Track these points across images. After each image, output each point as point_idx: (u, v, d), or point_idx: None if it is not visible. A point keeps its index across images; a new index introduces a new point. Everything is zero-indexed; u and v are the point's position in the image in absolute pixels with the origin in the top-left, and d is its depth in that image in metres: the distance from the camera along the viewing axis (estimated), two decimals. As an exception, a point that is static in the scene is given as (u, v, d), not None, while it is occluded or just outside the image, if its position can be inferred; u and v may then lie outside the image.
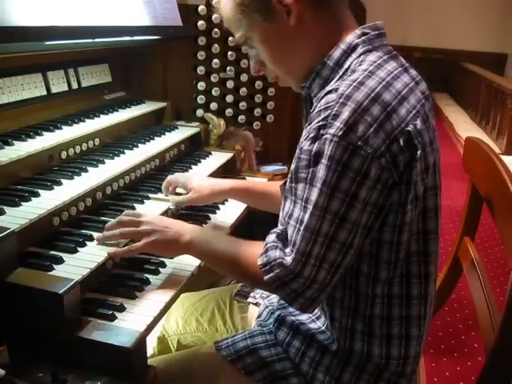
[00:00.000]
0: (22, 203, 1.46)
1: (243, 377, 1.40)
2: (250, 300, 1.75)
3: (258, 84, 2.68)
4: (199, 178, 1.85)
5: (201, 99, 2.63)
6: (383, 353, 1.31)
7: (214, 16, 2.52)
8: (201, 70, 2.59)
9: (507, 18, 11.24)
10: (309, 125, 1.19)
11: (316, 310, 1.39)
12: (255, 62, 1.40)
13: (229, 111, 2.68)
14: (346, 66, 1.24)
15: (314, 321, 1.40)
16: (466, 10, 11.34)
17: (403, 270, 1.26)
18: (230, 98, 2.66)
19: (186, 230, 1.42)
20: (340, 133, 1.10)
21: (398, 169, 1.14)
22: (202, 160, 2.28)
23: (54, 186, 1.59)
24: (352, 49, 1.25)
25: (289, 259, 1.17)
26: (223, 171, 2.33)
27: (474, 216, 1.83)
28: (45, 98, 1.97)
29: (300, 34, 1.27)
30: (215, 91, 2.63)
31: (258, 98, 2.70)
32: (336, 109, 1.12)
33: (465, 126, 8.64)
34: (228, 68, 2.62)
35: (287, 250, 1.20)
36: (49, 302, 1.18)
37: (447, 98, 11.32)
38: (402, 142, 1.13)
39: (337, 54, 1.25)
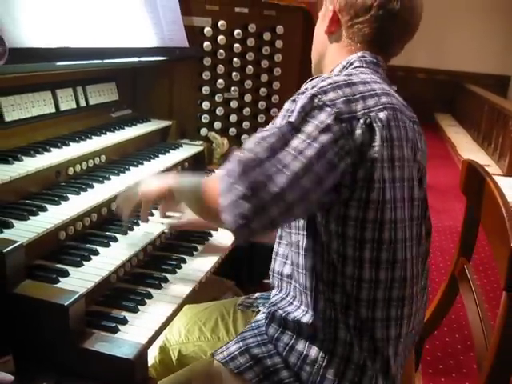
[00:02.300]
0: (30, 217, 1.50)
1: (236, 377, 1.42)
2: (253, 309, 1.78)
3: (262, 104, 2.72)
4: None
5: (205, 118, 2.67)
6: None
7: (219, 37, 2.58)
8: (206, 89, 2.64)
9: (510, 40, 11.31)
10: None
11: (303, 306, 1.41)
12: None
13: (232, 130, 2.72)
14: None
15: (299, 309, 1.42)
16: (469, 32, 11.40)
17: (372, 254, 1.30)
18: (233, 118, 2.70)
19: (168, 177, 1.62)
20: (313, 92, 1.25)
21: (354, 142, 1.23)
22: (205, 178, 2.31)
23: (61, 202, 1.62)
24: (349, 64, 1.43)
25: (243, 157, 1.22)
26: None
27: (471, 237, 1.86)
28: (53, 115, 2.01)
29: (325, 40, 1.52)
30: (219, 111, 2.68)
31: (261, 118, 2.73)
32: (316, 81, 1.30)
33: (467, 147, 8.66)
34: (232, 88, 2.67)
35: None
36: (54, 313, 1.22)
37: (450, 119, 11.35)
38: (362, 122, 1.24)
39: (338, 69, 1.44)
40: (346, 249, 1.29)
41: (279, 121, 1.27)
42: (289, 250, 1.44)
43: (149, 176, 1.77)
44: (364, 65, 1.41)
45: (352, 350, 1.36)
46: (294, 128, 1.23)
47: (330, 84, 1.27)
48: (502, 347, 1.27)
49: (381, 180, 1.25)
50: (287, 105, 1.29)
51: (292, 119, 1.23)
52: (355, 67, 1.41)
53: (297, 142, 1.21)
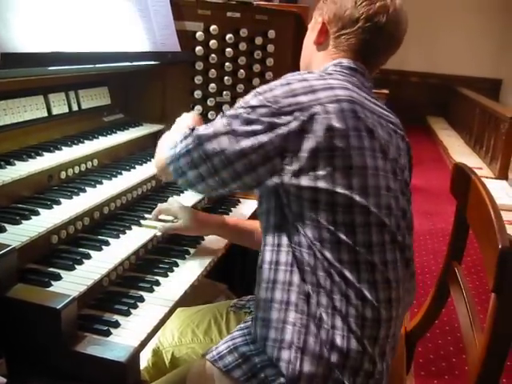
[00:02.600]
0: (23, 221, 1.50)
1: (225, 376, 1.42)
2: (245, 310, 1.79)
3: (254, 108, 2.73)
4: (190, 210, 1.87)
5: (197, 122, 2.68)
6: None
7: (211, 42, 2.59)
8: (198, 93, 2.64)
9: (502, 44, 11.37)
10: None
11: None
12: None
13: (225, 134, 2.73)
14: None
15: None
16: (462, 36, 11.46)
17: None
18: (226, 122, 2.71)
19: None
20: (260, 90, 1.36)
21: (289, 131, 1.30)
22: (197, 182, 2.32)
23: (54, 205, 1.63)
24: (325, 69, 1.48)
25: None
26: (218, 193, 2.38)
27: (461, 240, 1.87)
28: (46, 120, 2.01)
29: (313, 48, 1.58)
30: (211, 115, 2.68)
31: (254, 122, 2.75)
32: (271, 81, 1.39)
33: (459, 151, 8.70)
34: (224, 92, 2.67)
35: None
36: (47, 316, 1.23)
37: (443, 123, 11.40)
38: (305, 114, 1.30)
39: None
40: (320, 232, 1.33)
41: (233, 112, 1.38)
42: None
43: None
44: (338, 69, 1.46)
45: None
46: (236, 117, 1.36)
47: (280, 82, 1.36)
48: (492, 348, 1.29)
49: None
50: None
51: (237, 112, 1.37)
52: (328, 73, 1.45)
53: (238, 127, 1.34)
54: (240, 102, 1.40)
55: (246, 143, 1.32)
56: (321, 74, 1.43)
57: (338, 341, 1.32)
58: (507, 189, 6.52)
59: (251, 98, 1.36)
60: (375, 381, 1.39)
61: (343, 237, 1.31)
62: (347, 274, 1.32)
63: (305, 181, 1.30)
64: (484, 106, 8.24)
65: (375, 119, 1.39)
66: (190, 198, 2.12)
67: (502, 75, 11.60)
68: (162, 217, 1.85)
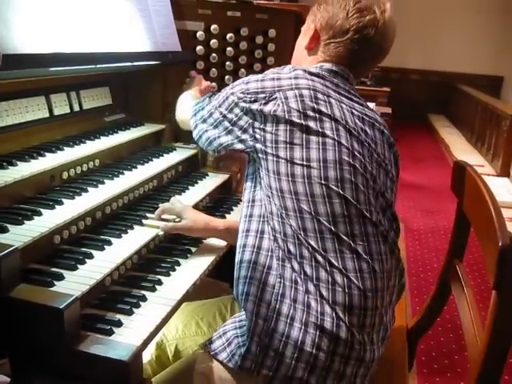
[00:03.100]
0: (25, 222, 1.51)
1: (212, 360, 1.48)
2: None
3: (255, 107, 2.73)
4: (193, 211, 1.89)
5: (199, 121, 2.69)
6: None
7: (212, 41, 2.60)
8: (199, 93, 2.65)
9: (503, 41, 11.36)
10: None
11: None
12: None
13: (226, 133, 2.73)
14: None
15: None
16: (462, 33, 11.45)
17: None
18: (226, 121, 2.72)
19: None
20: (234, 83, 1.56)
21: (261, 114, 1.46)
22: (198, 181, 2.33)
23: (56, 206, 1.63)
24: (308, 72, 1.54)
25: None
26: (219, 192, 2.39)
27: (462, 238, 1.88)
28: (47, 120, 2.02)
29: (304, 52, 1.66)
30: (212, 113, 2.69)
31: (255, 121, 2.75)
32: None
33: (461, 148, 8.70)
34: (225, 91, 2.68)
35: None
36: (50, 316, 1.23)
37: (444, 120, 11.40)
38: (266, 97, 1.46)
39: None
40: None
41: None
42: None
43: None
44: (320, 72, 1.53)
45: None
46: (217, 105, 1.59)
47: (256, 78, 1.52)
48: (492, 345, 1.29)
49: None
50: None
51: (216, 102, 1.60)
52: (309, 73, 1.52)
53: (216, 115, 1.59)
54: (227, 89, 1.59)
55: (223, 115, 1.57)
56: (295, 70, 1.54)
57: (313, 305, 1.39)
58: (509, 186, 6.52)
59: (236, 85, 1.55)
60: (357, 352, 1.42)
61: (304, 207, 1.40)
62: (312, 242, 1.40)
63: (270, 149, 1.44)
64: (485, 103, 8.24)
65: (344, 107, 1.48)
66: (191, 197, 2.13)
67: (503, 72, 11.59)
68: (164, 216, 1.85)
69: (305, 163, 1.41)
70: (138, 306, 1.45)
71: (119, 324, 1.35)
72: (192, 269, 1.71)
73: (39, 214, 1.57)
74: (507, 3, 11.11)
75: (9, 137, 1.83)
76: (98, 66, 2.00)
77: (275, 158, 1.43)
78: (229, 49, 2.63)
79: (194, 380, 1.52)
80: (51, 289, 1.35)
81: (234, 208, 2.26)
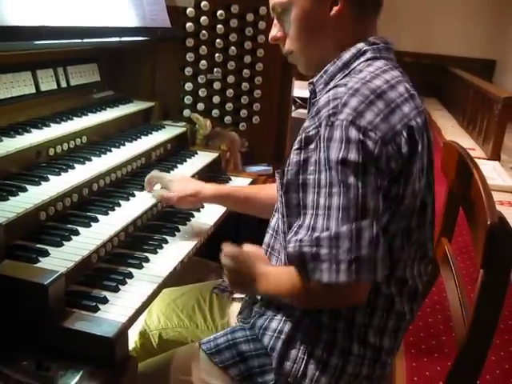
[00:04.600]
0: (10, 198, 1.49)
1: (220, 371, 1.42)
2: (227, 294, 1.79)
3: (245, 86, 2.71)
4: (183, 180, 1.86)
5: (188, 99, 2.67)
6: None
7: (202, 18, 2.56)
8: (188, 70, 2.63)
9: (496, 24, 11.35)
10: (316, 114, 1.26)
11: None
12: (278, 31, 1.44)
13: (215, 112, 2.72)
14: (352, 67, 1.33)
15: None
16: (455, 16, 11.42)
17: None
18: (216, 99, 2.70)
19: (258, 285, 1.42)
20: (350, 117, 1.18)
21: (403, 159, 1.21)
22: (187, 159, 2.32)
23: (42, 182, 1.61)
24: (361, 53, 1.34)
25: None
26: (209, 170, 2.37)
27: (451, 217, 1.87)
28: (34, 96, 2.00)
29: (332, 27, 1.35)
30: (202, 92, 2.67)
31: (245, 100, 2.73)
32: (345, 98, 1.21)
33: (452, 131, 8.73)
34: (215, 69, 2.66)
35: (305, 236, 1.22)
36: (34, 292, 1.22)
37: (436, 104, 11.40)
38: (405, 135, 1.22)
39: (346, 56, 1.35)
40: None
41: (326, 167, 1.20)
42: (280, 222, 1.43)
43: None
44: (377, 54, 1.34)
45: (336, 336, 1.37)
46: (340, 163, 1.18)
47: (361, 101, 1.20)
48: (478, 323, 1.30)
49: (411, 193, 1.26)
50: (321, 131, 1.22)
51: (340, 156, 1.18)
52: (368, 59, 1.33)
53: (353, 180, 1.17)
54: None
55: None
56: (375, 73, 1.28)
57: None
58: (499, 169, 6.54)
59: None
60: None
61: None
62: None
63: None
64: (477, 86, 8.24)
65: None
66: (180, 175, 2.11)
67: (495, 56, 11.60)
68: (157, 187, 1.85)
69: None
70: (124, 283, 1.44)
71: (105, 301, 1.34)
72: (179, 247, 1.70)
73: (24, 190, 1.55)
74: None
75: (-6, 112, 1.80)
76: (84, 40, 1.97)
77: None
78: (219, 26, 2.60)
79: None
80: (36, 265, 1.34)
81: (223, 186, 2.25)
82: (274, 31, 1.45)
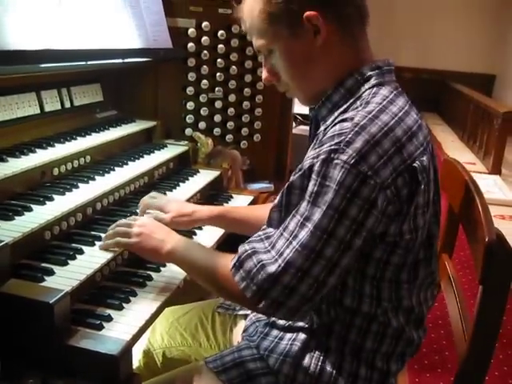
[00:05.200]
0: (16, 217, 1.51)
1: None
2: (229, 312, 1.78)
3: (246, 104, 2.74)
4: (178, 202, 1.85)
5: (190, 118, 2.70)
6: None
7: (203, 38, 2.60)
8: (190, 90, 2.66)
9: (495, 39, 11.39)
10: (319, 147, 1.22)
11: None
12: (268, 71, 1.40)
13: (217, 130, 2.75)
14: (357, 95, 1.29)
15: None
16: (454, 31, 11.47)
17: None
18: (218, 118, 2.73)
19: (171, 239, 1.49)
20: (352, 161, 1.14)
21: (400, 201, 1.20)
22: (189, 178, 2.33)
23: (46, 202, 1.63)
24: (365, 79, 1.30)
25: (273, 267, 1.20)
26: (210, 188, 2.39)
27: (451, 234, 1.89)
28: (38, 117, 2.02)
29: (322, 55, 1.30)
30: (204, 111, 2.70)
31: (246, 118, 2.76)
32: (350, 136, 1.17)
33: (453, 146, 8.73)
34: (216, 89, 2.69)
35: (268, 256, 1.23)
36: (40, 311, 1.23)
37: (436, 118, 11.42)
38: (407, 177, 1.19)
39: (350, 82, 1.30)
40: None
41: (311, 200, 1.19)
42: None
43: (147, 222, 1.58)
44: (382, 80, 1.30)
45: (343, 358, 1.37)
46: (336, 211, 1.16)
47: (367, 141, 1.16)
48: (477, 339, 1.31)
49: (411, 230, 1.26)
50: (315, 166, 1.20)
51: (329, 199, 1.16)
52: (374, 86, 1.29)
53: (342, 232, 1.16)
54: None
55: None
56: (382, 104, 1.24)
57: None
58: (500, 184, 6.55)
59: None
60: None
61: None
62: None
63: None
64: (477, 101, 8.25)
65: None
66: (182, 193, 2.14)
67: (495, 71, 11.64)
68: (149, 211, 1.84)
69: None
70: (128, 301, 1.46)
71: (109, 319, 1.36)
72: (182, 264, 1.72)
73: (30, 209, 1.57)
74: (500, 2, 11.14)
75: (0, 133, 1.83)
76: (88, 62, 2.01)
77: None
78: (220, 46, 2.64)
79: None
80: (41, 284, 1.35)
81: (224, 204, 2.27)
82: (265, 73, 1.42)
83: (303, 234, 1.18)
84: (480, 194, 1.47)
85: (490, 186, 6.09)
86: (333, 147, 1.17)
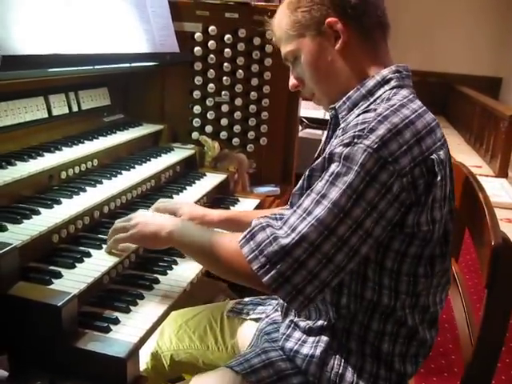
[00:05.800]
0: (24, 220, 1.52)
1: None
2: (243, 316, 1.78)
3: (252, 108, 2.75)
4: (189, 205, 1.86)
5: (196, 122, 2.71)
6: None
7: (210, 42, 2.61)
8: (197, 94, 2.67)
9: (502, 42, 11.38)
10: (342, 135, 1.28)
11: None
12: (295, 78, 1.49)
13: (223, 134, 2.75)
14: (377, 95, 1.35)
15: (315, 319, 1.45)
16: (461, 34, 11.47)
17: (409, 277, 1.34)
18: (224, 122, 2.74)
19: (169, 222, 1.50)
20: (375, 145, 1.20)
21: (416, 191, 1.23)
22: (196, 181, 2.34)
23: (54, 205, 1.65)
24: (386, 81, 1.36)
25: (287, 240, 1.22)
26: (217, 192, 2.40)
27: (458, 237, 1.89)
28: (46, 121, 2.04)
29: (343, 59, 1.38)
30: (210, 114, 2.71)
31: (252, 122, 2.76)
32: (373, 124, 1.23)
33: (460, 149, 8.72)
34: (223, 92, 2.70)
35: (281, 232, 1.25)
36: (48, 313, 1.24)
37: (443, 121, 11.39)
38: (424, 169, 1.23)
39: (371, 83, 1.37)
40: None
41: (330, 179, 1.23)
42: None
43: (143, 213, 1.61)
44: (401, 83, 1.37)
45: (365, 360, 1.39)
46: (354, 191, 1.20)
47: (389, 129, 1.22)
48: (483, 343, 1.31)
49: (429, 222, 1.28)
50: (338, 149, 1.24)
51: (350, 180, 1.20)
52: (394, 87, 1.35)
53: (357, 213, 1.20)
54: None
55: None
56: (403, 101, 1.30)
57: None
58: (507, 187, 6.53)
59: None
60: None
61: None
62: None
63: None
64: (484, 104, 8.25)
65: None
66: (189, 197, 2.14)
67: (501, 74, 11.61)
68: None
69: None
70: (135, 303, 1.46)
71: (116, 321, 1.37)
72: (189, 267, 1.72)
73: (38, 213, 1.58)
74: (506, 4, 11.12)
75: (8, 137, 1.85)
76: (96, 67, 2.02)
77: None
78: (226, 50, 2.64)
79: None
80: (49, 287, 1.36)
81: (231, 208, 2.27)
82: (292, 80, 1.50)
83: (319, 211, 1.21)
84: (486, 197, 1.47)
85: (496, 189, 6.08)
86: (357, 133, 1.23)
